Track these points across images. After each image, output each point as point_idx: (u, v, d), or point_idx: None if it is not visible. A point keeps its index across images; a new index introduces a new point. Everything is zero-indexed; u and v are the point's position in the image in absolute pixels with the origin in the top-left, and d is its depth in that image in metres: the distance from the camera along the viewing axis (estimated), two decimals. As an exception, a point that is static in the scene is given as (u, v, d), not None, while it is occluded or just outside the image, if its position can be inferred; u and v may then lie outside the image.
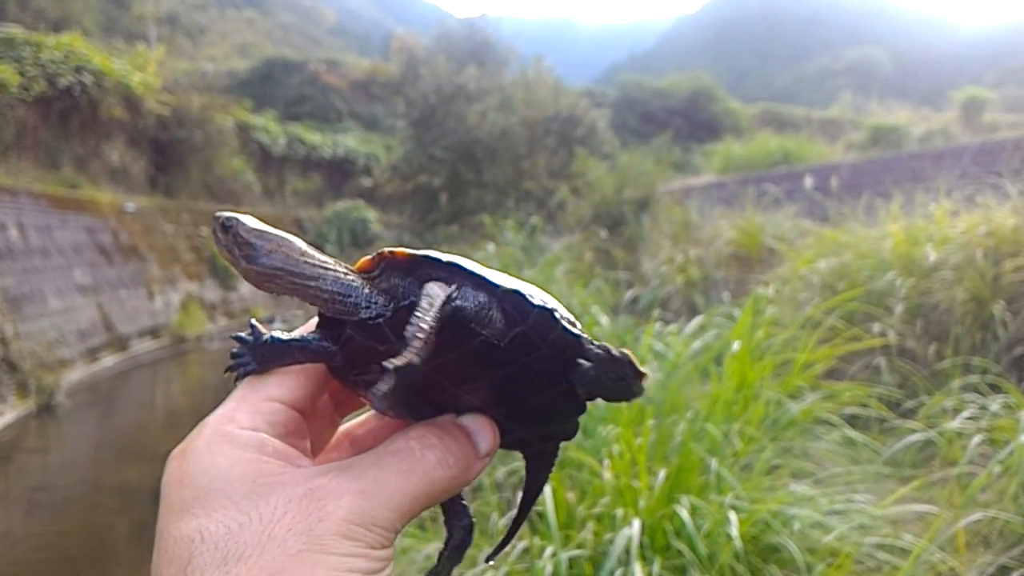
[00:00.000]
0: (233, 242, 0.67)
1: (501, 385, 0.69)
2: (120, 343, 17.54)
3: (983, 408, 4.33)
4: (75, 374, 14.78)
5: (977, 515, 3.36)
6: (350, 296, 0.68)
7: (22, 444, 11.65)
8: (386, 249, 0.70)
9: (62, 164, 19.79)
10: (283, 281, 0.68)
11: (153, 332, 19.30)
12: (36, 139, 19.29)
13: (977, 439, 4.04)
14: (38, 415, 12.64)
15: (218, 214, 0.69)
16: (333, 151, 34.40)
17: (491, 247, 11.07)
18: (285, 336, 0.68)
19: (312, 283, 0.68)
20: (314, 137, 34.16)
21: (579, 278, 9.68)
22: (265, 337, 0.68)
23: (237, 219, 0.68)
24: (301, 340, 0.68)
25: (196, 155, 25.11)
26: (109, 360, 16.67)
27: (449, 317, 0.64)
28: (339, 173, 34.55)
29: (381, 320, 0.67)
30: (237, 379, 0.68)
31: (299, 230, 29.14)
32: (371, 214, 28.50)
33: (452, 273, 0.67)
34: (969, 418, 4.27)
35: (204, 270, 23.08)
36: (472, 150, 22.23)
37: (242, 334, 0.69)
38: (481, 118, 22.59)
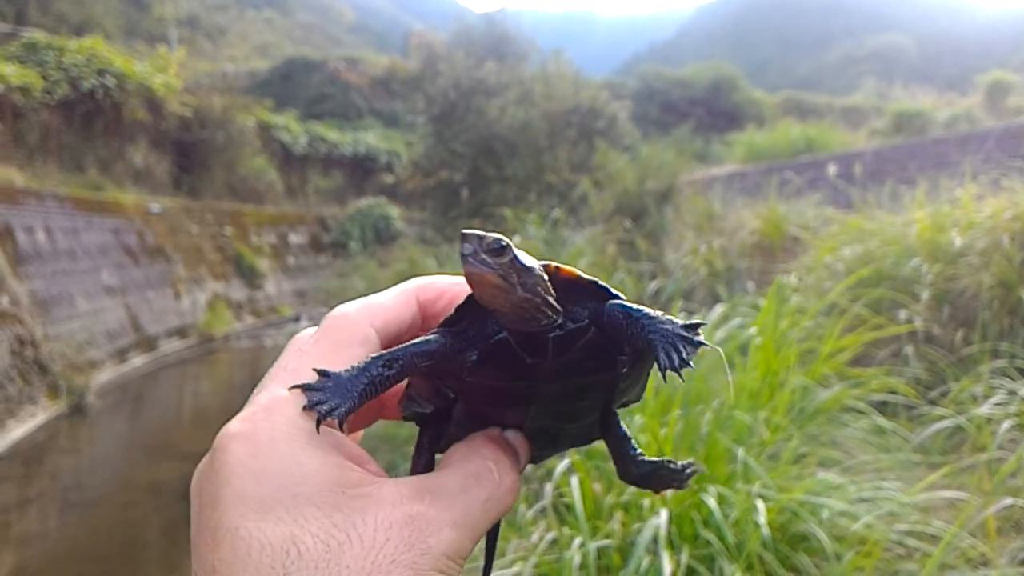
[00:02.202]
0: (511, 267, 0.62)
1: (554, 407, 0.70)
2: (148, 343, 17.71)
3: (1012, 393, 4.30)
4: (105, 375, 14.94)
5: (1008, 501, 3.34)
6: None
7: (54, 445, 11.79)
8: (552, 264, 0.67)
9: (86, 167, 19.99)
10: (532, 304, 0.64)
11: (181, 332, 19.46)
12: (60, 142, 19.49)
13: (1007, 424, 4.01)
14: (69, 416, 12.79)
15: (479, 233, 0.62)
16: (354, 149, 34.50)
17: (516, 239, 11.05)
18: (406, 347, 0.65)
19: (546, 298, 0.65)
20: (335, 135, 34.27)
21: (602, 271, 9.66)
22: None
23: (510, 242, 0.63)
24: (426, 344, 0.66)
25: (218, 155, 25.30)
26: (138, 360, 16.83)
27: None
28: (360, 170, 34.65)
29: (552, 334, 0.66)
30: (319, 423, 0.60)
31: (322, 228, 29.29)
32: (394, 211, 28.58)
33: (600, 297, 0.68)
34: (998, 404, 4.24)
35: (230, 270, 23.23)
36: (492, 145, 22.23)
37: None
38: (501, 112, 22.58)
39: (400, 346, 0.65)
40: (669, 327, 0.64)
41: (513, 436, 0.70)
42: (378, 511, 0.56)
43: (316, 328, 0.69)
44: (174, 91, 23.36)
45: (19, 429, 11.46)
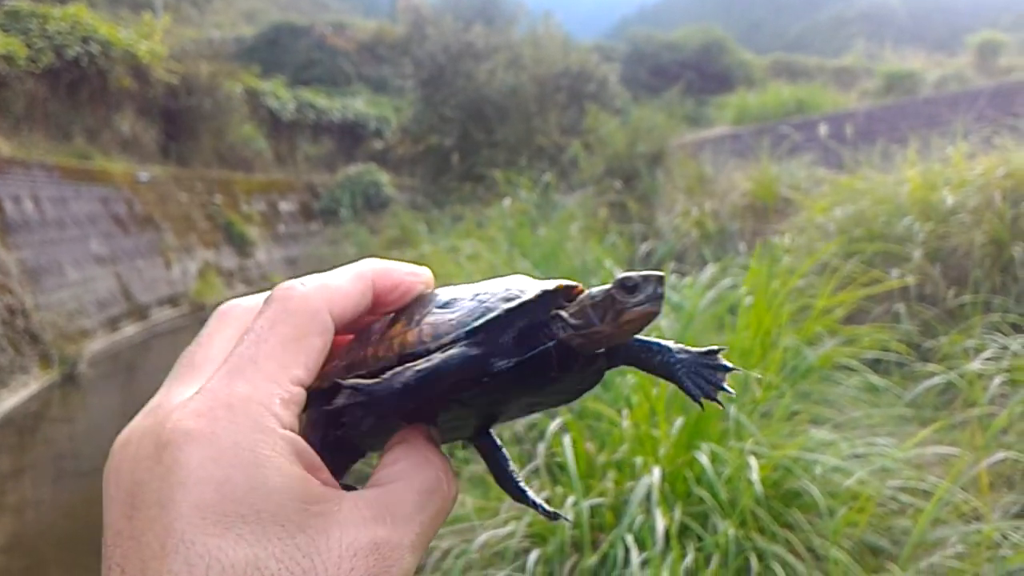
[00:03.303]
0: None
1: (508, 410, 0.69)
2: (140, 312, 17.65)
3: (1004, 348, 4.30)
4: (96, 344, 14.90)
5: (1000, 455, 3.35)
6: None
7: (47, 414, 11.77)
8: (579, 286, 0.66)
9: (73, 135, 19.80)
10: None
11: (172, 301, 19.40)
12: (46, 111, 19.28)
13: (998, 380, 4.02)
14: (61, 385, 12.76)
15: (660, 274, 0.61)
16: (343, 115, 34.23)
17: (507, 202, 11.03)
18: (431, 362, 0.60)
19: None
20: (323, 101, 33.98)
21: (594, 234, 9.64)
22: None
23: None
24: (466, 358, 0.61)
25: (206, 123, 25.06)
26: (129, 329, 16.79)
27: None
28: (350, 137, 34.41)
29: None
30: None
31: (312, 195, 29.16)
32: (384, 177, 28.41)
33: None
34: (989, 359, 4.25)
35: (220, 238, 23.12)
36: (482, 109, 22.08)
37: (360, 381, 0.59)
38: (490, 76, 22.41)
39: (439, 358, 0.60)
40: (687, 356, 0.65)
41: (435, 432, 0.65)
42: (342, 535, 0.52)
43: (258, 302, 0.62)
44: (160, 58, 23.07)
45: (12, 399, 11.43)
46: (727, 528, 2.93)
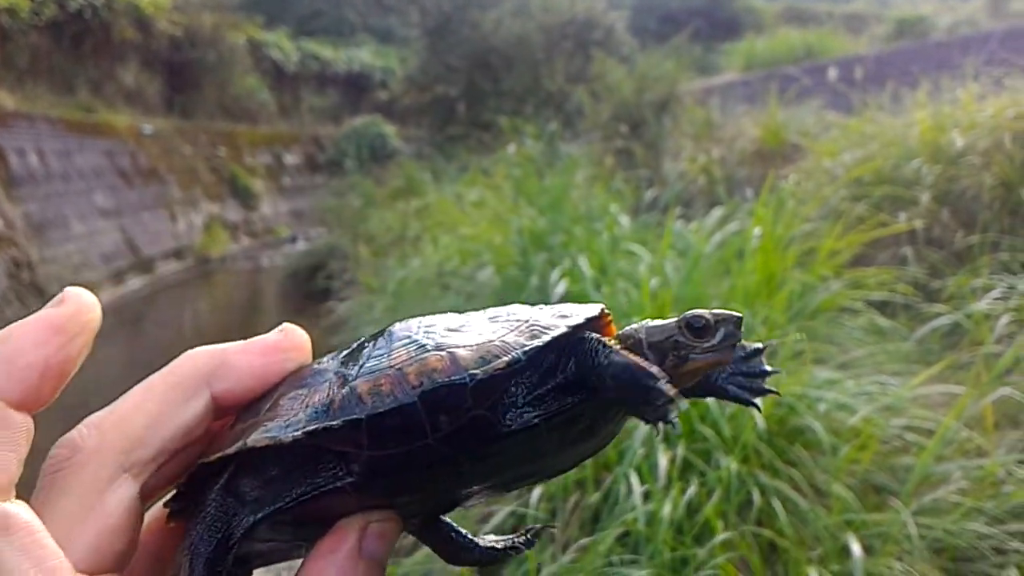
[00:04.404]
0: None
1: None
2: (145, 265, 17.67)
3: (1011, 288, 4.26)
4: (102, 296, 14.74)
5: (1005, 391, 3.33)
6: None
7: (55, 366, 11.80)
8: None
9: (77, 88, 19.71)
10: None
11: (177, 254, 19.42)
12: (50, 64, 19.16)
13: (1005, 319, 3.98)
14: (69, 337, 12.78)
15: (738, 315, 0.55)
16: (348, 66, 33.95)
17: (511, 148, 10.94)
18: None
19: None
20: (328, 53, 33.68)
21: (600, 181, 9.55)
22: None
23: None
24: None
25: (210, 75, 24.93)
26: (135, 282, 16.82)
27: None
28: (355, 89, 34.15)
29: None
30: None
31: (317, 148, 29.02)
32: (389, 129, 28.23)
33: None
34: (998, 298, 4.21)
35: (225, 191, 23.08)
36: (488, 58, 21.84)
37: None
38: (496, 25, 22.12)
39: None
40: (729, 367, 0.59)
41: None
42: None
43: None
44: (163, 9, 22.89)
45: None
46: (730, 463, 2.93)
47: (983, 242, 5.11)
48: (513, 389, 0.51)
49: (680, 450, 3.07)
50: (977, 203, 5.72)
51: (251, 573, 0.58)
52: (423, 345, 0.52)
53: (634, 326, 0.56)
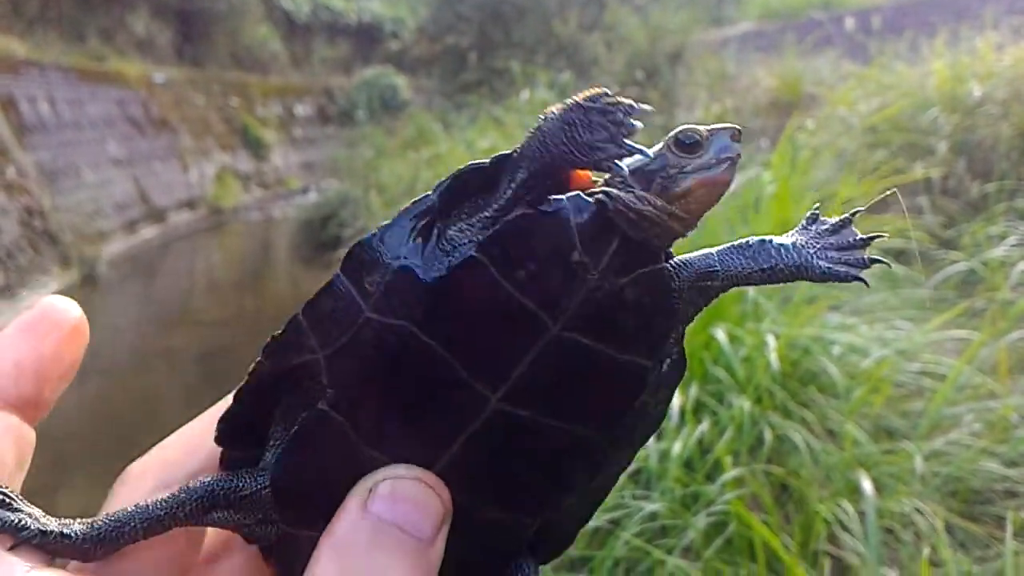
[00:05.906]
0: None
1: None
2: (157, 215, 17.68)
3: (1029, 234, 4.24)
4: (115, 246, 14.96)
5: (1019, 333, 3.32)
6: None
7: (68, 313, 11.87)
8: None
9: (88, 36, 19.57)
10: None
11: (189, 204, 19.41)
12: (60, 12, 19.01)
13: (1021, 266, 3.96)
14: (81, 285, 12.86)
15: (734, 127, 0.51)
16: (359, 17, 33.63)
17: (524, 95, 10.86)
18: None
19: None
20: (339, 3, 33.36)
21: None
22: None
23: None
24: None
25: (221, 24, 24.72)
26: (148, 232, 16.84)
27: None
28: (366, 39, 33.85)
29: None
30: None
31: (328, 99, 28.85)
32: (400, 80, 28.02)
33: None
34: (1014, 245, 4.18)
35: (237, 141, 22.99)
36: (500, 8, 21.60)
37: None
38: (509, -26, 21.89)
39: None
40: (806, 239, 0.52)
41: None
42: None
43: None
44: (173, -44, 22.70)
45: (31, 299, 11.54)
46: (743, 404, 2.93)
47: (1000, 190, 5.06)
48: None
49: (693, 391, 3.08)
50: (994, 153, 5.66)
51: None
52: None
53: None
